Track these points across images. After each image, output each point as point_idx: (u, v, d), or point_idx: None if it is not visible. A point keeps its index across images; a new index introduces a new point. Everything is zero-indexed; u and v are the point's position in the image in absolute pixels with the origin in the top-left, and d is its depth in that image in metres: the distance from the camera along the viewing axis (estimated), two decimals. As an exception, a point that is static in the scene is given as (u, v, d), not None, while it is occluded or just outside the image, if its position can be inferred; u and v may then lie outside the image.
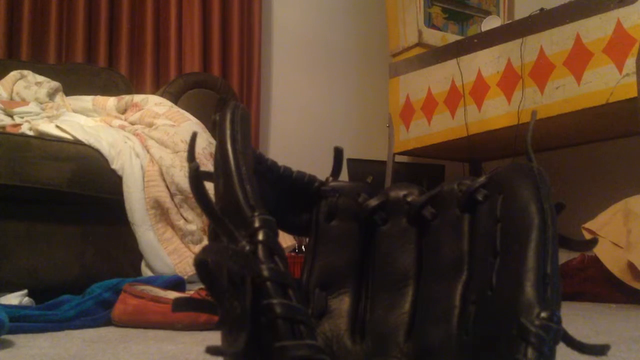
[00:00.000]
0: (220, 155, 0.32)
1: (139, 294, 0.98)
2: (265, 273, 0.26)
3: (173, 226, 1.40)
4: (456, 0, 2.44)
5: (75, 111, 1.71)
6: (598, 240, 0.35)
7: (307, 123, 2.75)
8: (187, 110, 1.64)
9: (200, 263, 0.27)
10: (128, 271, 1.35)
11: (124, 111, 1.71)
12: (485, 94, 1.91)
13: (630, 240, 1.30)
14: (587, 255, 1.47)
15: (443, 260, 0.38)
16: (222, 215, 0.29)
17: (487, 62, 1.91)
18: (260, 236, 0.28)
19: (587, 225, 1.42)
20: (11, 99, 1.72)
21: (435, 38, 2.32)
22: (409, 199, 0.41)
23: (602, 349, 0.28)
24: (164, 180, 1.40)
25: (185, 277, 1.28)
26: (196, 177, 0.29)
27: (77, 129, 1.41)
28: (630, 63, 1.54)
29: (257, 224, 0.28)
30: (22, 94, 1.72)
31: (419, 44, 2.28)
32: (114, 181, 1.37)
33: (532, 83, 1.78)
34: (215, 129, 0.34)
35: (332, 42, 2.86)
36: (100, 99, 1.76)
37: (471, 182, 0.37)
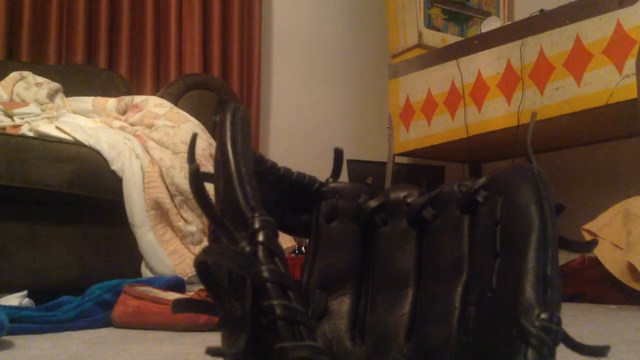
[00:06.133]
0: (220, 157, 0.32)
1: (139, 295, 0.98)
2: (266, 274, 0.26)
3: (173, 227, 1.40)
4: (456, 2, 2.44)
5: (75, 112, 1.71)
6: (598, 242, 0.35)
7: (307, 124, 2.75)
8: (187, 112, 1.64)
9: (201, 264, 0.27)
10: (128, 272, 1.35)
11: (124, 112, 1.71)
12: (485, 95, 1.91)
13: (630, 241, 1.30)
14: (587, 257, 1.47)
15: (443, 262, 0.38)
16: (222, 216, 0.29)
17: (487, 63, 1.91)
18: (261, 237, 0.28)
19: (587, 226, 1.42)
20: (11, 100, 1.72)
21: (435, 39, 2.32)
22: (409, 200, 0.41)
23: (602, 350, 0.28)
24: (164, 181, 1.40)
25: (185, 278, 1.27)
26: (196, 178, 0.29)
27: (77, 130, 1.41)
28: (630, 64, 1.55)
29: (257, 225, 0.28)
30: (22, 95, 1.72)
31: (419, 45, 2.29)
32: (114, 182, 1.37)
33: (532, 84, 1.78)
34: (215, 130, 0.34)
35: (332, 43, 2.86)
36: (100, 100, 1.76)
37: (471, 183, 0.37)
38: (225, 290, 0.28)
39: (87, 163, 1.34)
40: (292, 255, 2.07)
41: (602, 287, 1.39)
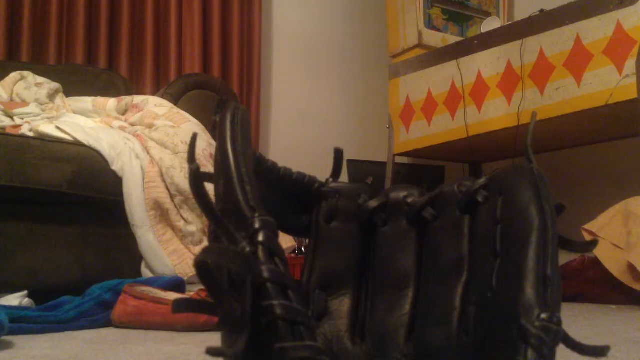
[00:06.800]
0: (220, 157, 0.32)
1: (139, 295, 0.98)
2: (266, 274, 0.26)
3: (173, 227, 1.40)
4: (456, 2, 2.44)
5: (75, 112, 1.71)
6: (598, 242, 0.35)
7: (307, 124, 2.75)
8: (187, 112, 1.64)
9: (201, 264, 0.27)
10: (128, 272, 1.35)
11: (124, 112, 1.71)
12: (485, 95, 1.91)
13: (630, 241, 1.30)
14: (587, 257, 1.47)
15: (443, 262, 0.38)
16: (222, 216, 0.29)
17: (487, 63, 1.91)
18: (261, 237, 0.28)
19: (587, 226, 1.42)
20: (11, 100, 1.72)
21: (436, 39, 2.32)
22: (409, 200, 0.41)
23: (602, 350, 0.28)
24: (164, 181, 1.40)
25: (186, 278, 1.27)
26: (196, 178, 0.29)
27: (77, 130, 1.41)
28: (630, 64, 1.54)
29: (257, 225, 0.28)
30: (23, 95, 1.72)
31: (419, 45, 2.29)
32: (114, 182, 1.37)
33: (532, 84, 1.78)
34: (215, 130, 0.34)
35: (333, 43, 2.86)
36: (100, 100, 1.76)
37: (471, 183, 0.37)
38: (225, 290, 0.28)
39: (87, 163, 1.34)
40: (292, 255, 2.07)
41: (602, 287, 1.39)
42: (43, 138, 1.35)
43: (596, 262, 1.37)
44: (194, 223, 1.41)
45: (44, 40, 2.18)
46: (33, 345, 0.80)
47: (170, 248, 1.37)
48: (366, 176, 0.48)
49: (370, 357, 0.39)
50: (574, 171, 2.32)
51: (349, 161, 2.32)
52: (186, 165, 1.19)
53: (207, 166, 1.42)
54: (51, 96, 1.73)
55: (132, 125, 1.60)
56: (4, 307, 0.93)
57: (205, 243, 1.25)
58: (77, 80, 1.96)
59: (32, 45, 2.15)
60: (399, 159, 2.29)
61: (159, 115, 1.57)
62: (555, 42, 1.72)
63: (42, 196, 1.27)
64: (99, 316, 1.00)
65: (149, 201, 1.37)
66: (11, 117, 1.58)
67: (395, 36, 2.38)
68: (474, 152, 2.21)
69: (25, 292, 1.09)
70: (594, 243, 0.34)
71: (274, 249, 0.28)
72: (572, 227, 1.47)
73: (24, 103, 1.67)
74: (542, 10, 1.81)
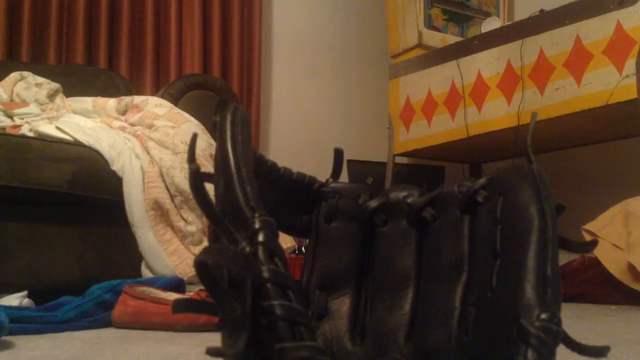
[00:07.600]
0: (220, 157, 0.32)
1: (139, 295, 0.98)
2: (266, 274, 0.26)
3: (173, 227, 1.40)
4: (456, 2, 2.44)
5: (75, 112, 1.71)
6: (598, 242, 0.35)
7: (307, 124, 2.75)
8: (187, 112, 1.64)
9: (201, 264, 0.27)
10: (128, 272, 1.35)
11: (124, 112, 1.71)
12: (485, 95, 1.91)
13: (630, 241, 1.30)
14: (587, 257, 1.47)
15: (443, 262, 0.38)
16: (222, 216, 0.29)
17: (487, 63, 1.91)
18: (261, 237, 0.28)
19: (587, 226, 1.42)
20: (11, 100, 1.72)
21: (435, 39, 2.32)
22: (409, 200, 0.41)
23: (602, 351, 0.28)
24: (164, 181, 1.40)
25: (185, 279, 1.27)
26: (196, 178, 0.29)
27: (77, 130, 1.41)
28: (630, 64, 1.55)
29: (257, 225, 0.28)
30: (22, 95, 1.72)
31: (419, 45, 2.29)
32: (114, 182, 1.37)
33: (532, 84, 1.78)
34: (215, 131, 0.34)
35: (332, 43, 2.86)
36: (100, 100, 1.76)
37: (471, 183, 0.37)
38: (225, 290, 0.28)
39: (87, 163, 1.34)
40: (292, 255, 2.07)
41: (602, 288, 1.39)
42: (43, 138, 1.35)
43: (596, 262, 1.37)
44: (194, 223, 1.41)
45: (44, 40, 2.18)
46: (33, 345, 0.80)
47: (170, 248, 1.37)
48: (366, 176, 0.48)
49: (370, 357, 0.39)
50: (574, 171, 2.32)
51: (349, 161, 2.32)
52: (186, 165, 1.19)
53: (207, 166, 1.42)
54: (51, 96, 1.73)
55: (132, 125, 1.60)
56: (4, 307, 0.93)
57: (205, 243, 1.25)
58: (77, 80, 1.96)
59: (32, 45, 2.15)
60: (399, 159, 2.29)
61: (159, 116, 1.57)
62: (555, 42, 1.73)
63: (42, 196, 1.27)
64: (99, 316, 1.00)
65: (149, 201, 1.37)
66: (11, 117, 1.58)
67: (395, 36, 2.38)
68: (474, 152, 2.21)
69: (25, 292, 1.08)
70: (594, 243, 0.34)
71: (274, 249, 0.28)
72: (572, 227, 1.47)
73: (24, 103, 1.67)
74: (542, 10, 1.81)
